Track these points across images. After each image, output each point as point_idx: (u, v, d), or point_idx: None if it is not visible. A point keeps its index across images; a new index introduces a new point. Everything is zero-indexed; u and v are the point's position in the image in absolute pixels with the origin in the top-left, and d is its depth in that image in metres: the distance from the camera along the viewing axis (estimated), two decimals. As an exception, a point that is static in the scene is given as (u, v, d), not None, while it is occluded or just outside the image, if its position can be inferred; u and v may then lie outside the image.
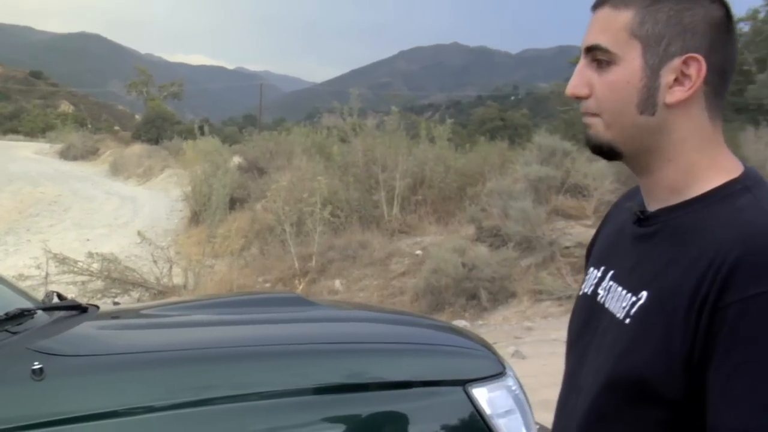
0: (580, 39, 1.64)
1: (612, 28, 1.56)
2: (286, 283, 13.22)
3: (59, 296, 3.40)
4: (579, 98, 1.62)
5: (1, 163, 47.92)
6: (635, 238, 1.65)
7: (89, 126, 79.22)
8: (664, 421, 1.49)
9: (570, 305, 2.13)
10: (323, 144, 19.37)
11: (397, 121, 16.51)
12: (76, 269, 13.19)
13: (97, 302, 5.72)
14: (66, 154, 55.42)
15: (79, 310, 3.24)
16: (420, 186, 15.32)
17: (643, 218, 1.63)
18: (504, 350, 9.99)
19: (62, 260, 13.63)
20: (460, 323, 11.36)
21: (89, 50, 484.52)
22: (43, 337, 2.79)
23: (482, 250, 12.45)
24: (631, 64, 1.55)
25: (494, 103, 71.76)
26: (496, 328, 10.96)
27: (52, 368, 2.50)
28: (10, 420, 2.40)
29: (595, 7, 1.61)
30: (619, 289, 1.63)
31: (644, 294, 1.54)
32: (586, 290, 1.77)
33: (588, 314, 1.74)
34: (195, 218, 21.57)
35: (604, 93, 1.58)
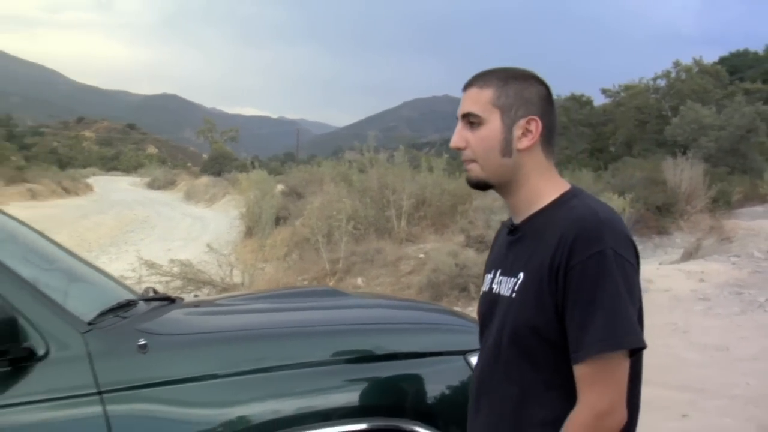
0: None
1: (480, 101, 1.81)
2: (320, 281, 13.13)
3: (154, 291, 3.38)
4: (459, 149, 1.85)
5: (106, 192, 48.20)
6: (510, 243, 1.87)
7: (169, 163, 79.45)
8: (548, 358, 1.72)
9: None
10: (346, 174, 19.26)
11: (403, 156, 16.58)
12: (161, 272, 13.11)
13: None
14: (152, 185, 55.77)
15: (170, 301, 3.22)
16: (422, 205, 15.22)
17: (513, 229, 1.87)
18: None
19: (151, 265, 13.55)
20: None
21: (169, 106, 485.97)
22: (145, 320, 2.77)
23: (471, 253, 12.36)
24: (494, 124, 1.80)
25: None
26: (482, 314, 10.92)
27: (152, 344, 2.49)
28: (124, 383, 2.41)
29: (466, 87, 1.85)
30: (505, 279, 1.83)
31: (521, 275, 1.77)
32: (485, 289, 1.93)
33: (488, 305, 1.89)
34: (249, 232, 21.45)
35: (478, 144, 1.82)
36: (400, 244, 13.99)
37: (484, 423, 1.85)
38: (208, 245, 17.16)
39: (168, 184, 53.84)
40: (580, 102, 41.13)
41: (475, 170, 1.84)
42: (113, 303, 2.88)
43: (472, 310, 11.69)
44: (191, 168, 70.95)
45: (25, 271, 2.62)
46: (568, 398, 1.67)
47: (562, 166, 26.63)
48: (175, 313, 3.05)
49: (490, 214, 13.12)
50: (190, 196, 42.82)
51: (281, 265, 15.58)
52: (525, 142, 1.79)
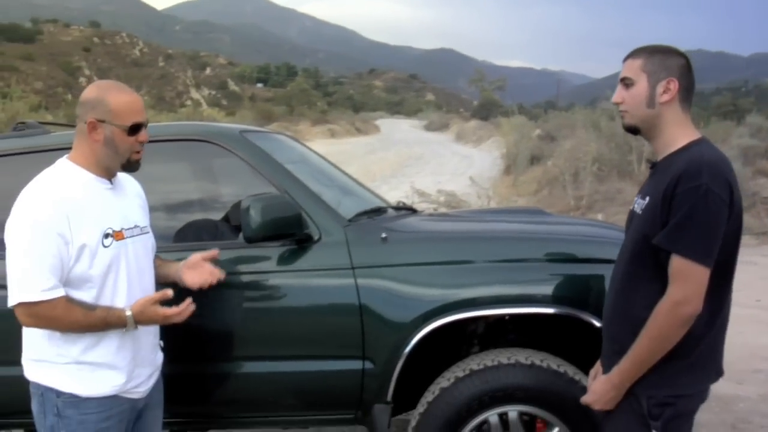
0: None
1: (633, 68, 2.14)
2: (565, 215, 13.17)
3: (403, 204, 3.90)
4: (617, 104, 2.18)
5: (390, 133, 50.21)
6: (650, 176, 2.19)
7: (444, 109, 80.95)
8: (655, 260, 2.03)
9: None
10: (596, 120, 18.74)
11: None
12: (429, 200, 13.82)
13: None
14: (428, 127, 56.83)
15: (412, 211, 3.72)
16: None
17: (652, 165, 2.18)
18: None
19: (421, 194, 14.37)
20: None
21: (446, 59, 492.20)
22: (388, 222, 3.29)
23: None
24: (642, 84, 2.12)
25: (728, 93, 65.34)
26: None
27: (391, 237, 2.98)
28: (369, 263, 2.91)
29: (624, 60, 2.18)
30: (639, 200, 2.16)
31: (648, 198, 2.10)
32: (632, 208, 2.22)
33: (629, 219, 2.24)
34: (507, 170, 21.60)
35: (630, 99, 2.14)
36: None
37: (610, 304, 2.22)
38: (470, 179, 17.72)
39: (442, 127, 54.63)
40: None
41: (627, 118, 2.16)
42: (368, 208, 3.44)
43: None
44: (463, 113, 71.84)
45: (311, 183, 3.20)
46: (662, 292, 2.00)
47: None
48: (413, 219, 3.53)
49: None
50: (459, 137, 43.29)
51: (532, 199, 15.70)
52: (665, 97, 2.09)
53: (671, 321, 1.95)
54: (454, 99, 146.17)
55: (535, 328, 3.11)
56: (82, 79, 78.51)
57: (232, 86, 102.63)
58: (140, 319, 2.32)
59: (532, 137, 22.26)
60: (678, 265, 1.95)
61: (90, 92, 2.37)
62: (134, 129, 2.35)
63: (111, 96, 2.34)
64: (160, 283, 2.65)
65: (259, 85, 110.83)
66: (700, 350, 2.04)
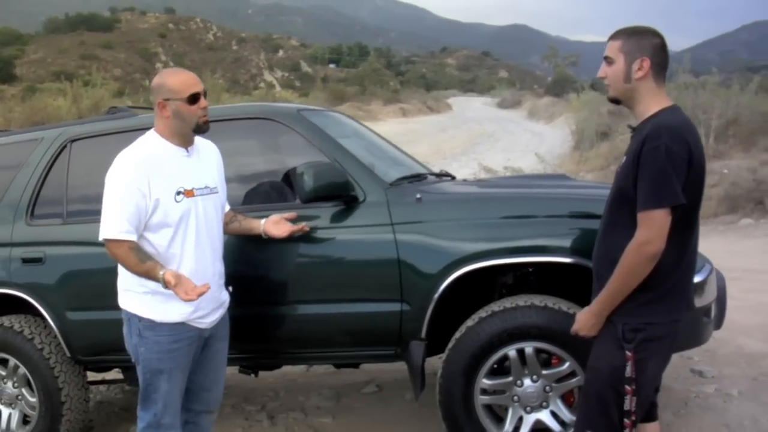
0: None
1: (613, 48, 2.57)
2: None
3: (445, 172, 4.39)
4: (602, 78, 2.61)
5: (461, 110, 50.25)
6: (631, 138, 2.58)
7: (517, 86, 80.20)
8: (631, 209, 2.44)
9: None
10: (667, 94, 18.52)
11: (716, 78, 15.69)
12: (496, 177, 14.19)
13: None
14: (501, 105, 56.72)
15: (451, 177, 4.22)
16: (732, 124, 14.46)
17: (632, 129, 2.57)
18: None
19: (488, 170, 14.79)
20: (747, 221, 10.98)
21: (518, 35, 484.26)
22: (425, 186, 3.79)
23: (770, 170, 11.75)
24: (620, 62, 2.55)
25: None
26: (774, 225, 10.46)
27: (425, 198, 3.50)
28: (406, 219, 3.42)
29: (608, 40, 2.60)
30: (622, 160, 2.56)
31: (625, 157, 2.53)
32: (616, 168, 2.65)
33: (615, 176, 2.61)
34: (577, 146, 21.64)
35: (611, 75, 2.58)
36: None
37: (597, 248, 2.68)
38: (536, 155, 17.93)
39: (514, 104, 54.42)
40: None
41: (611, 90, 2.61)
42: (408, 174, 3.97)
43: (765, 223, 11.18)
44: (536, 90, 71.01)
45: (359, 154, 3.74)
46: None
47: None
48: (448, 184, 4.05)
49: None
50: (532, 114, 43.10)
51: (599, 174, 15.80)
52: (639, 74, 2.51)
53: (638, 259, 2.40)
54: (527, 76, 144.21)
55: (555, 279, 3.55)
56: (159, 65, 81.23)
57: (305, 68, 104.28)
58: (167, 283, 2.80)
59: (601, 113, 22.13)
60: (641, 213, 2.39)
61: (155, 81, 3.03)
62: (193, 99, 2.95)
63: (168, 79, 2.97)
64: (244, 235, 3.41)
65: (332, 65, 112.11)
66: (668, 286, 2.47)
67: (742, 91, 14.83)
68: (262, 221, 3.36)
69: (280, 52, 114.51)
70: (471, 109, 52.54)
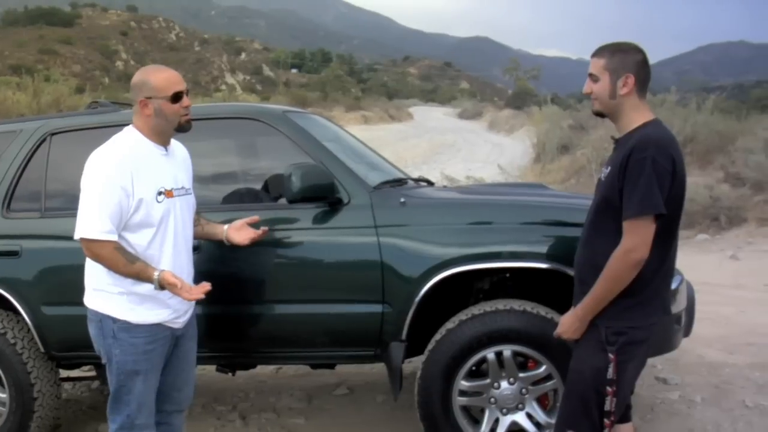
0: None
1: (597, 66, 2.65)
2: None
3: (423, 177, 4.47)
4: (588, 94, 2.70)
5: (423, 120, 50.40)
6: (614, 150, 2.68)
7: (478, 97, 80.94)
8: (615, 217, 2.53)
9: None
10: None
11: (673, 97, 16.16)
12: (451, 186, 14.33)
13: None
14: (462, 115, 56.93)
15: (428, 183, 4.30)
16: (689, 142, 14.79)
17: (616, 141, 2.68)
18: (725, 253, 9.88)
19: (450, 179, 14.93)
20: (703, 236, 11.27)
21: (481, 47, 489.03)
22: (407, 190, 3.86)
23: (726, 188, 12.11)
24: (605, 80, 2.63)
25: (769, 85, 64.14)
26: (727, 241, 10.73)
27: (409, 202, 3.57)
28: (389, 222, 3.47)
29: (592, 56, 2.68)
30: (604, 170, 2.68)
31: (609, 167, 2.63)
32: (599, 177, 2.72)
33: (597, 185, 2.72)
34: (537, 159, 21.85)
35: (597, 91, 2.66)
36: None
37: (579, 253, 2.78)
38: (499, 166, 18.14)
39: (475, 115, 54.70)
40: None
41: (596, 105, 2.71)
42: (391, 178, 4.03)
43: (720, 238, 11.45)
44: (497, 102, 71.93)
45: (343, 157, 3.79)
46: (619, 244, 2.52)
47: None
48: (428, 189, 4.14)
49: (749, 154, 12.56)
50: (492, 126, 43.42)
51: (559, 187, 16.04)
52: (624, 90, 2.61)
53: (623, 265, 2.49)
54: (488, 88, 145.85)
55: (531, 284, 3.64)
56: (119, 63, 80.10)
57: (267, 71, 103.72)
58: (163, 284, 2.79)
59: (562, 126, 22.50)
60: (628, 222, 2.49)
61: (136, 77, 2.96)
62: (176, 97, 2.91)
63: (151, 76, 2.91)
64: (204, 240, 3.33)
65: (294, 70, 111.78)
66: (648, 291, 2.57)
67: (699, 110, 15.22)
68: (225, 227, 3.32)
69: (243, 55, 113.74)
70: (432, 118, 52.74)
